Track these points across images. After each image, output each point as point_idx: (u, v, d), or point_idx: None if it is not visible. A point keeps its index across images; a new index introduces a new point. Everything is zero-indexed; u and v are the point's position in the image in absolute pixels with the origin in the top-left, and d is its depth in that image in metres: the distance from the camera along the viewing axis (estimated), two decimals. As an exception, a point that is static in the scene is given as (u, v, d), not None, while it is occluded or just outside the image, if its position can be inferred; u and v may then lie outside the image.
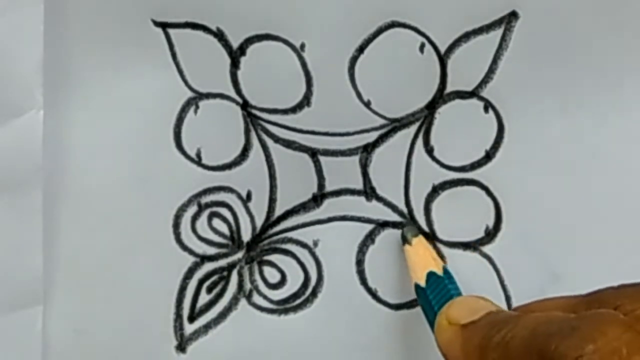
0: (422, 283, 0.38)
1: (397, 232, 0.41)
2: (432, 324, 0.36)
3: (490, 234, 0.41)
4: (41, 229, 0.40)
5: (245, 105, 0.40)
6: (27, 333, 0.40)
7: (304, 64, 0.40)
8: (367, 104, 0.40)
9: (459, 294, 0.37)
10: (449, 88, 0.40)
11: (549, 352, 0.28)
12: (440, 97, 0.40)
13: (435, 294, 0.37)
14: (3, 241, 0.40)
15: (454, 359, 0.33)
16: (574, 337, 0.28)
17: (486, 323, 0.32)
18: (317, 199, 0.41)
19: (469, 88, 0.40)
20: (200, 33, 0.40)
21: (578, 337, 0.28)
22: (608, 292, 0.31)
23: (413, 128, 0.41)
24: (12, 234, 0.40)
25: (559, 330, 0.28)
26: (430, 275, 0.38)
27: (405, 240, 0.40)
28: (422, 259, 0.39)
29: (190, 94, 0.40)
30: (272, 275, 0.41)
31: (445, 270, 0.39)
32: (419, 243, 0.40)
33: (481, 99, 0.40)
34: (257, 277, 0.41)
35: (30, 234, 0.40)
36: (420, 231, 0.40)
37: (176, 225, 0.41)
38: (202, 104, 0.40)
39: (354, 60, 0.40)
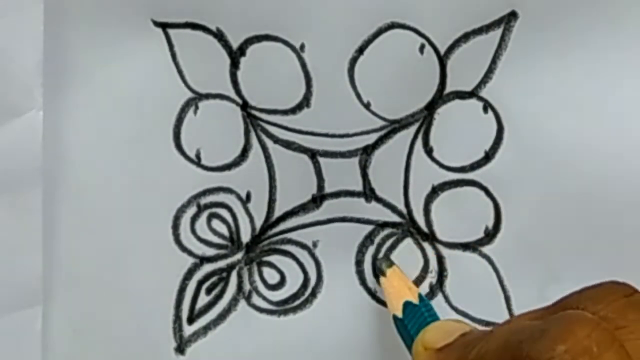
0: (399, 314, 0.38)
1: (396, 233, 0.41)
2: (411, 353, 0.36)
3: (490, 235, 0.41)
4: (41, 229, 0.40)
5: (245, 106, 0.41)
6: (27, 333, 0.40)
7: (303, 65, 0.40)
8: (367, 105, 0.40)
9: (436, 319, 0.38)
10: (449, 88, 0.40)
11: (521, 357, 0.28)
12: (440, 98, 0.40)
13: (412, 323, 0.38)
14: (3, 241, 0.40)
15: None
16: (544, 339, 0.28)
17: (460, 343, 0.33)
18: (317, 200, 0.41)
19: (469, 88, 0.40)
20: (200, 33, 0.40)
21: (548, 338, 0.28)
22: (571, 297, 0.31)
23: (412, 129, 0.41)
24: (12, 234, 0.40)
25: (530, 335, 0.29)
26: (407, 304, 0.38)
27: (380, 272, 0.40)
28: (397, 290, 0.39)
29: (189, 94, 0.40)
30: (272, 276, 0.41)
31: (421, 298, 0.39)
32: (393, 274, 0.40)
33: (480, 99, 0.40)
34: (256, 278, 0.41)
35: (29, 234, 0.40)
36: (391, 262, 0.40)
37: (175, 226, 0.41)
38: (202, 104, 0.40)
39: (353, 61, 0.40)
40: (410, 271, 0.41)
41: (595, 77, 0.40)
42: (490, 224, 0.41)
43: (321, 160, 0.41)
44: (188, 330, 0.41)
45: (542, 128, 0.40)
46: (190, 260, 0.41)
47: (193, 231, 0.41)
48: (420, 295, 0.39)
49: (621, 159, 0.40)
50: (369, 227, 0.41)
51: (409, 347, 0.37)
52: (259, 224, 0.41)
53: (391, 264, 0.40)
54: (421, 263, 0.41)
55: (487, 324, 0.40)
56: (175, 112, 0.40)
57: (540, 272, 0.40)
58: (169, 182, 0.41)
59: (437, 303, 0.40)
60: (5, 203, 0.40)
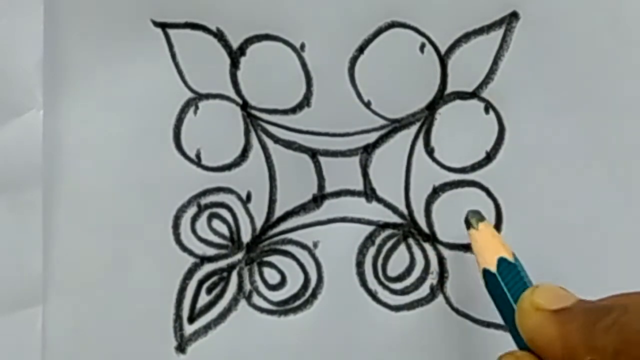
0: (493, 268, 0.37)
1: (397, 234, 0.41)
2: (504, 311, 0.35)
3: (491, 235, 0.41)
4: (41, 229, 0.40)
5: (245, 106, 0.40)
6: (27, 333, 0.40)
7: (304, 64, 0.40)
8: (367, 105, 0.40)
9: (531, 282, 0.36)
10: (450, 89, 0.40)
11: None
12: (441, 98, 0.40)
13: (507, 280, 0.36)
14: (3, 241, 0.40)
15: (545, 343, 0.33)
16: None
17: (582, 309, 0.32)
18: (317, 199, 0.41)
19: (470, 89, 0.40)
20: (200, 33, 0.40)
21: None
22: None
23: (413, 129, 0.41)
24: (12, 234, 0.40)
25: None
26: (501, 261, 0.37)
27: (469, 224, 0.39)
28: (491, 244, 0.37)
29: (189, 94, 0.40)
30: (272, 277, 0.41)
31: (516, 258, 0.37)
32: (487, 228, 0.38)
33: (482, 99, 0.40)
34: (257, 278, 0.41)
35: (30, 234, 0.40)
36: (482, 216, 0.39)
37: (176, 226, 0.41)
38: (202, 104, 0.40)
39: (354, 61, 0.40)
40: (411, 272, 0.41)
41: (596, 78, 0.40)
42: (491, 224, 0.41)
43: (322, 159, 0.41)
44: (189, 329, 0.41)
45: (543, 129, 0.40)
46: (190, 260, 0.41)
47: (193, 231, 0.41)
48: (514, 255, 0.37)
49: (622, 159, 0.40)
50: (370, 228, 0.41)
51: (501, 304, 0.36)
52: (259, 224, 0.41)
53: (483, 217, 0.39)
54: (422, 264, 0.41)
55: (488, 325, 0.40)
56: (175, 112, 0.40)
57: (541, 271, 0.40)
58: (169, 182, 0.40)
59: (438, 304, 0.40)
60: (5, 203, 0.40)
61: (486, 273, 0.37)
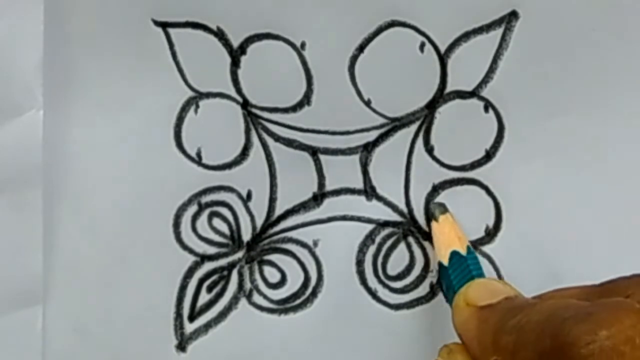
0: (445, 262, 0.38)
1: (397, 232, 0.41)
2: (451, 303, 0.36)
3: (490, 234, 0.41)
4: (41, 229, 0.40)
5: (245, 105, 0.40)
6: (27, 333, 0.40)
7: (304, 63, 0.40)
8: (368, 103, 0.40)
9: (481, 275, 0.37)
10: (449, 88, 0.40)
11: (562, 335, 0.28)
12: (441, 97, 0.40)
13: (457, 273, 0.37)
14: (3, 241, 0.40)
15: (468, 339, 0.33)
16: (589, 322, 0.28)
17: (503, 307, 0.33)
18: (318, 198, 0.41)
19: (469, 88, 0.40)
20: (200, 32, 0.39)
21: (592, 322, 0.28)
22: (620, 281, 0.32)
23: (413, 127, 0.41)
24: (12, 234, 0.40)
25: (574, 315, 0.29)
26: (454, 254, 0.38)
27: (432, 216, 0.39)
28: (446, 238, 0.39)
29: (190, 93, 0.40)
30: (272, 275, 0.41)
31: (469, 250, 0.38)
32: (445, 220, 0.39)
33: (481, 98, 0.40)
34: (257, 276, 0.41)
35: (30, 233, 0.40)
36: (445, 209, 0.40)
37: (176, 225, 0.41)
38: (203, 103, 0.40)
39: (354, 59, 0.40)
40: (411, 271, 0.41)
41: (596, 77, 0.40)
42: (491, 223, 0.41)
43: (322, 157, 0.41)
44: (189, 328, 0.41)
45: (543, 127, 0.40)
46: (191, 259, 0.41)
47: (194, 229, 0.41)
48: (468, 248, 0.38)
49: (622, 159, 0.40)
50: (370, 226, 0.41)
51: (449, 297, 0.37)
52: (259, 222, 0.41)
53: (445, 210, 0.39)
54: (422, 262, 0.41)
55: (488, 323, 0.41)
56: (175, 111, 0.40)
57: (541, 271, 0.40)
58: (169, 180, 0.40)
59: (438, 303, 0.41)
60: (5, 203, 0.39)
61: (440, 266, 0.38)
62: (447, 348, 0.35)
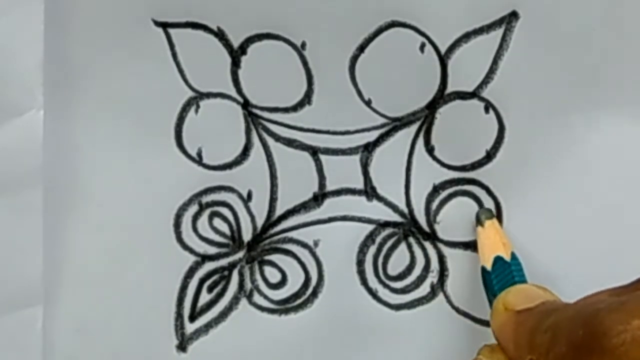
0: (489, 267, 0.38)
1: (397, 232, 0.41)
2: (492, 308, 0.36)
3: (491, 234, 0.41)
4: (41, 229, 0.40)
5: (246, 105, 0.40)
6: (28, 333, 0.40)
7: (305, 63, 0.40)
8: (368, 103, 0.40)
9: (523, 281, 0.38)
10: (450, 88, 0.40)
11: (594, 325, 0.28)
12: (441, 97, 0.40)
13: (499, 278, 0.37)
14: (3, 241, 0.40)
15: (505, 342, 0.34)
16: (621, 311, 0.28)
17: (540, 310, 0.33)
18: (318, 198, 0.41)
19: (470, 89, 0.40)
20: (200, 32, 0.39)
21: (625, 311, 0.28)
22: None
23: (414, 127, 0.41)
24: (12, 234, 0.40)
25: (607, 306, 0.29)
26: (497, 259, 0.38)
27: (478, 221, 0.40)
28: (491, 243, 0.39)
29: (190, 93, 0.40)
30: (273, 275, 0.41)
31: (514, 257, 0.38)
32: (491, 226, 0.39)
33: (482, 99, 0.40)
34: (257, 276, 0.41)
35: (30, 234, 0.40)
36: (491, 214, 0.40)
37: (177, 225, 0.41)
38: (203, 103, 0.40)
39: (354, 59, 0.40)
40: (411, 271, 0.41)
41: (596, 77, 0.40)
42: (491, 223, 0.41)
43: (322, 157, 0.41)
44: (190, 328, 0.41)
45: (543, 128, 0.40)
46: (191, 259, 0.41)
47: (194, 229, 0.41)
48: (513, 254, 0.38)
49: (622, 158, 0.40)
50: (370, 227, 0.41)
51: (490, 301, 0.37)
52: (260, 222, 0.41)
53: (492, 216, 0.40)
54: (422, 262, 0.41)
55: (489, 323, 0.40)
56: (176, 111, 0.40)
57: (541, 271, 0.40)
58: (170, 180, 0.40)
59: (438, 303, 0.41)
60: (5, 203, 0.39)
61: (483, 270, 0.38)
62: (489, 347, 0.35)
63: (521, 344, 0.32)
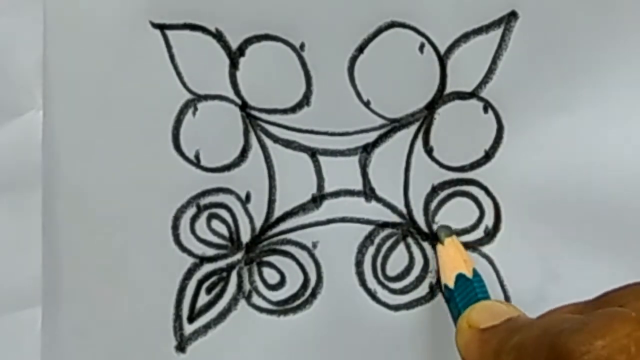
0: (451, 284, 0.38)
1: (396, 233, 0.41)
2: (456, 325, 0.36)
3: (490, 234, 0.40)
4: (41, 229, 0.40)
5: (244, 107, 0.40)
6: (27, 333, 0.40)
7: (303, 64, 0.40)
8: (367, 104, 0.40)
9: (486, 297, 0.37)
10: (449, 88, 0.40)
11: (558, 346, 0.28)
12: (440, 98, 0.40)
13: (462, 296, 0.37)
14: (3, 241, 0.40)
15: None
16: (584, 332, 0.28)
17: (504, 328, 0.33)
18: (317, 199, 0.41)
19: (469, 89, 0.40)
20: (198, 34, 0.40)
21: (587, 332, 0.28)
22: (614, 292, 0.32)
23: (412, 128, 0.41)
24: (12, 234, 0.40)
25: (570, 326, 0.29)
26: (459, 277, 0.38)
27: (437, 239, 0.40)
28: (452, 260, 0.39)
29: (188, 95, 0.40)
30: (272, 277, 0.41)
31: (475, 273, 0.38)
32: (451, 243, 0.39)
33: (481, 99, 0.40)
34: (256, 278, 0.41)
35: (29, 234, 0.40)
36: (450, 232, 0.40)
37: (175, 227, 0.41)
38: (201, 105, 0.40)
39: (353, 60, 0.40)
40: (410, 271, 0.41)
41: (595, 77, 0.40)
42: (490, 223, 0.41)
43: (321, 159, 0.41)
44: (188, 329, 0.41)
45: (542, 128, 0.40)
46: (190, 260, 0.41)
47: (193, 231, 0.41)
48: (474, 271, 0.38)
49: (622, 159, 0.40)
50: (369, 228, 0.41)
51: (455, 319, 0.37)
52: (258, 224, 0.41)
53: (450, 233, 0.39)
54: (421, 263, 0.41)
55: (487, 324, 0.40)
56: (174, 114, 0.40)
57: (541, 271, 0.40)
58: (168, 183, 0.40)
59: (437, 303, 0.40)
60: (5, 203, 0.40)
61: (445, 288, 0.38)
62: None
63: None
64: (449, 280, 0.38)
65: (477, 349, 0.33)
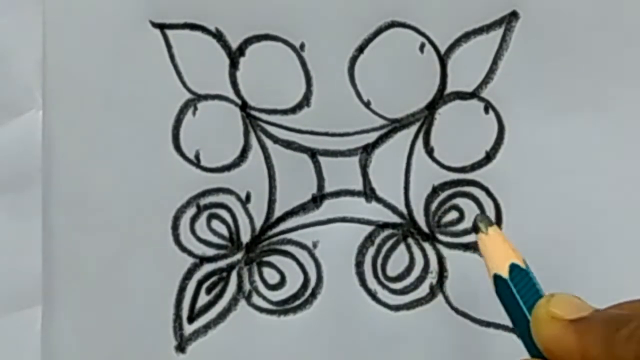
0: (504, 274, 0.37)
1: (396, 234, 0.41)
2: (516, 319, 0.35)
3: (490, 235, 0.40)
4: (41, 229, 0.40)
5: (244, 107, 0.40)
6: (27, 333, 0.40)
7: (303, 64, 0.40)
8: (367, 104, 0.40)
9: (542, 289, 0.36)
10: (449, 88, 0.40)
11: None
12: (441, 98, 0.40)
13: (519, 287, 0.36)
14: (3, 241, 0.40)
15: (564, 355, 0.32)
16: None
17: (603, 319, 0.32)
18: (317, 199, 0.41)
19: (469, 89, 0.40)
20: (198, 34, 0.40)
21: None
22: None
23: (413, 129, 0.40)
24: (12, 235, 0.40)
25: None
26: (514, 267, 0.37)
27: (477, 229, 0.38)
28: (502, 250, 0.36)
29: (188, 95, 0.40)
30: (272, 276, 0.41)
31: (527, 264, 0.37)
32: (496, 232, 0.38)
33: (481, 99, 0.40)
34: (256, 278, 0.41)
35: (29, 234, 0.40)
36: (491, 221, 0.39)
37: (175, 227, 0.41)
38: (201, 105, 0.40)
39: (353, 60, 0.40)
40: (410, 272, 0.41)
41: (595, 78, 0.39)
42: (491, 224, 0.41)
43: (321, 159, 0.41)
44: (188, 329, 0.41)
45: (543, 128, 0.40)
46: (190, 260, 0.41)
47: (193, 231, 0.41)
48: (525, 261, 0.37)
49: (622, 159, 0.40)
50: (369, 228, 0.41)
51: (511, 311, 0.35)
52: (258, 224, 0.41)
53: (492, 222, 0.38)
54: (421, 264, 0.41)
55: (488, 324, 0.40)
56: (174, 114, 0.40)
57: (541, 271, 0.40)
58: (168, 183, 0.40)
59: (437, 304, 0.40)
60: (4, 203, 0.40)
61: (497, 279, 0.37)
62: None
63: (593, 355, 0.31)
64: (501, 270, 0.37)
65: (575, 340, 0.32)
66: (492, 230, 0.38)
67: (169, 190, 0.40)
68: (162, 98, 0.40)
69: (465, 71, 0.40)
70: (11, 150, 0.39)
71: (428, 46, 0.40)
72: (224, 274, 0.41)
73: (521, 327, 0.34)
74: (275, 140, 0.41)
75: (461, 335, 0.40)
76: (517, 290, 0.35)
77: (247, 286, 0.41)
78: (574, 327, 0.32)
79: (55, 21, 0.39)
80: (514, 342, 0.35)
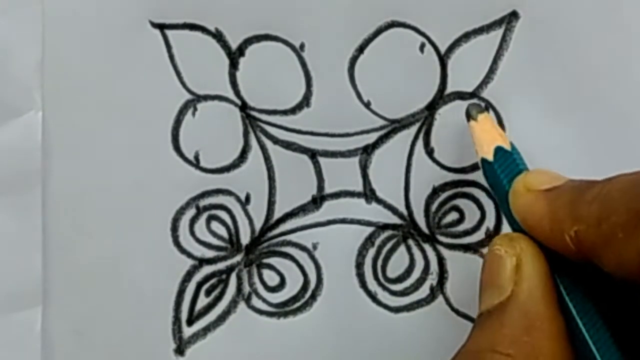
0: (490, 157, 0.37)
1: (396, 235, 0.41)
2: (500, 197, 0.36)
3: (491, 236, 0.40)
4: (40, 230, 0.40)
5: (244, 107, 0.40)
6: (27, 334, 0.40)
7: (303, 65, 0.40)
8: (367, 105, 0.40)
9: (527, 169, 0.37)
10: (449, 89, 0.40)
11: None
12: (441, 98, 0.40)
13: (503, 168, 0.36)
14: (3, 241, 0.40)
15: (535, 220, 0.33)
16: None
17: (572, 186, 0.32)
18: (317, 201, 0.41)
19: (470, 89, 0.40)
20: (198, 34, 0.40)
21: None
22: None
23: (413, 129, 0.40)
24: (11, 236, 0.40)
25: None
26: (498, 149, 0.37)
27: (469, 116, 0.39)
28: (489, 134, 0.38)
29: (188, 96, 0.40)
30: (271, 279, 0.41)
31: (513, 147, 0.38)
32: (485, 119, 0.39)
33: (481, 99, 0.40)
34: (256, 280, 0.41)
35: (29, 235, 0.40)
36: (482, 108, 0.39)
37: (174, 229, 0.41)
38: (200, 106, 0.40)
39: (353, 61, 0.40)
40: (410, 273, 0.41)
41: (595, 78, 0.39)
42: (492, 225, 0.40)
43: (321, 160, 0.41)
44: (187, 331, 0.41)
45: (543, 129, 0.40)
46: (189, 262, 0.41)
47: (192, 233, 0.41)
48: (511, 144, 0.38)
49: (622, 160, 0.39)
50: (370, 229, 0.41)
51: (497, 192, 0.36)
52: (258, 225, 0.41)
53: (483, 110, 0.39)
54: (422, 265, 0.40)
55: (488, 326, 0.40)
56: (173, 114, 0.40)
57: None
58: (167, 184, 0.40)
59: (438, 305, 0.40)
60: (5, 203, 0.40)
61: (484, 162, 0.37)
62: (506, 237, 0.34)
63: (560, 218, 0.32)
64: (487, 153, 0.37)
65: (544, 206, 0.32)
66: (482, 116, 0.38)
67: (169, 192, 0.40)
68: (161, 99, 0.40)
69: (465, 71, 0.40)
70: (11, 151, 0.39)
71: (428, 46, 0.40)
72: (224, 276, 0.41)
73: (504, 206, 0.35)
74: (275, 140, 0.40)
75: (462, 337, 0.40)
76: (500, 171, 0.36)
77: (246, 288, 0.41)
78: (544, 195, 0.33)
79: (55, 21, 0.39)
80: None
